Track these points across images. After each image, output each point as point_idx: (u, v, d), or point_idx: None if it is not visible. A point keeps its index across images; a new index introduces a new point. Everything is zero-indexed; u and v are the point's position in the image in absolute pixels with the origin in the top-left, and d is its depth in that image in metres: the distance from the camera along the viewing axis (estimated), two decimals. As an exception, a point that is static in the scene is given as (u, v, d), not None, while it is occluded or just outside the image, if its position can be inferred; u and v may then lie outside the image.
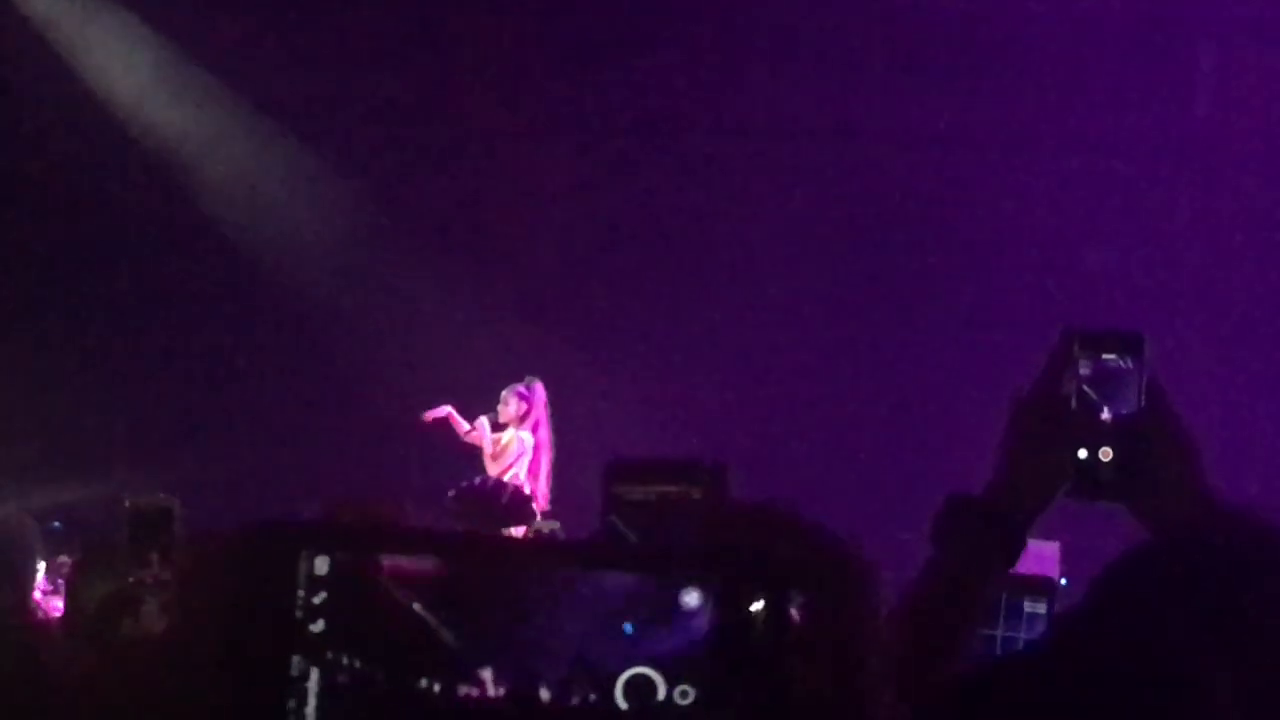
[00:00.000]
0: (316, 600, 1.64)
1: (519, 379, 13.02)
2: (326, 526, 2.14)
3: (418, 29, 16.19)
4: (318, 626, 1.64)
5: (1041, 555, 7.03)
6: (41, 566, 6.29)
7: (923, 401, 15.73)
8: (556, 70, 16.39)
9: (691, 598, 1.59)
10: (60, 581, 6.20)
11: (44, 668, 3.85)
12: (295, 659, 1.65)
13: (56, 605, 5.57)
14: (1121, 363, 2.69)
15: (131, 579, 4.13)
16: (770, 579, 1.57)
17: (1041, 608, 3.49)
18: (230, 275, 16.41)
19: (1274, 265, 15.66)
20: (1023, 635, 3.47)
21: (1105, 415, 2.67)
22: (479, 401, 13.25)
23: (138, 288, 16.25)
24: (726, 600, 1.56)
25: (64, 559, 6.52)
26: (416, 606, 1.63)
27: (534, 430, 12.50)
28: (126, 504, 4.37)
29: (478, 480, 12.34)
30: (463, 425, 12.76)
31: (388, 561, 1.63)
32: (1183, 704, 1.99)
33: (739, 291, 16.19)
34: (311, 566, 1.64)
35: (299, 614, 1.64)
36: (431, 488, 12.58)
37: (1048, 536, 7.22)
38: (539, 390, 12.62)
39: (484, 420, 12.58)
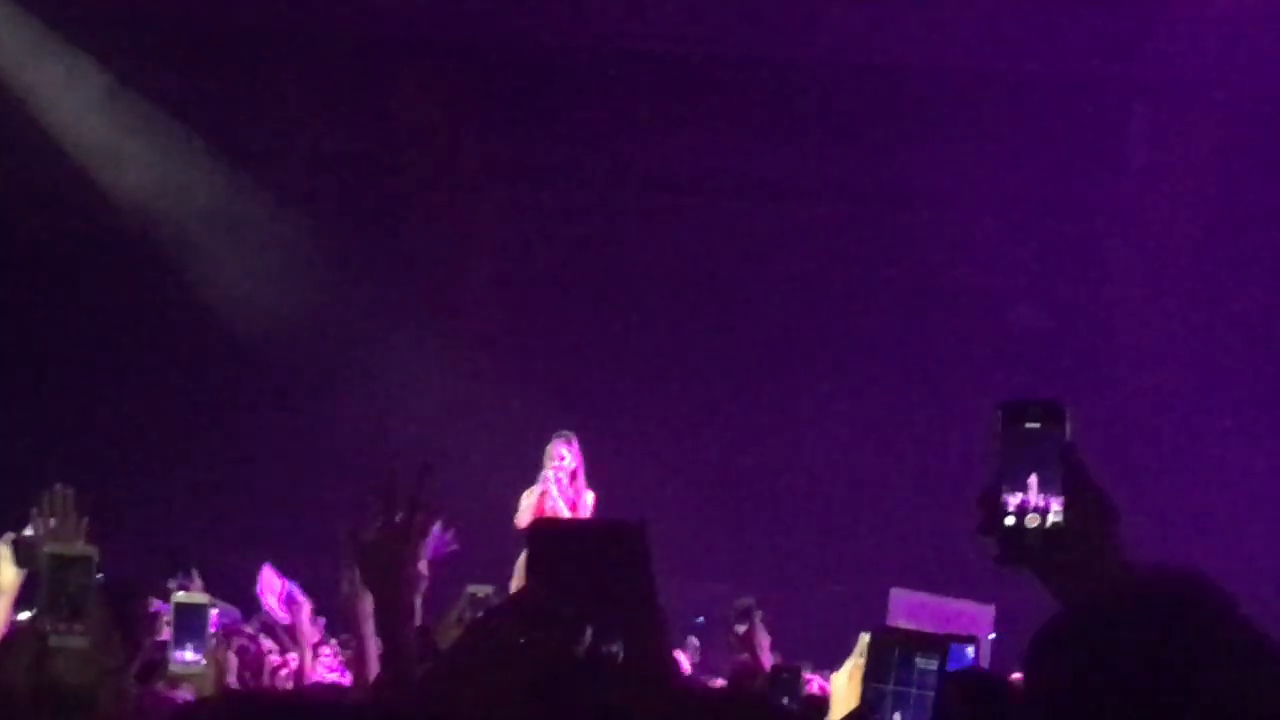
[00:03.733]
0: None
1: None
2: None
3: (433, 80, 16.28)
4: None
5: (977, 617, 7.12)
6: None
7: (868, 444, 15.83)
8: (550, 128, 16.47)
9: None
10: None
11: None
12: None
13: None
14: (1043, 431, 2.75)
15: (47, 626, 4.01)
16: None
17: (933, 664, 3.59)
18: (196, 321, 16.37)
19: (1208, 322, 15.79)
20: (914, 690, 3.56)
21: (1028, 484, 2.70)
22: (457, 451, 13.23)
23: (100, 327, 16.15)
24: None
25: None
26: None
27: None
28: (45, 551, 4.29)
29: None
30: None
31: None
32: None
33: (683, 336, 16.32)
34: None
35: None
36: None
37: (985, 599, 7.29)
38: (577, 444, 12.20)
39: (554, 491, 11.60)
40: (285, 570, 15.61)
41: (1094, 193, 16.37)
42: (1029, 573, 2.71)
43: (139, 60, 16.03)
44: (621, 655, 2.37)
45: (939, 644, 3.60)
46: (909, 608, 7.11)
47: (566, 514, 11.26)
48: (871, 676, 3.58)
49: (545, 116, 16.43)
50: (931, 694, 3.51)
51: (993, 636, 7.11)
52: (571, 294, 16.64)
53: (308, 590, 14.72)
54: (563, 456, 11.47)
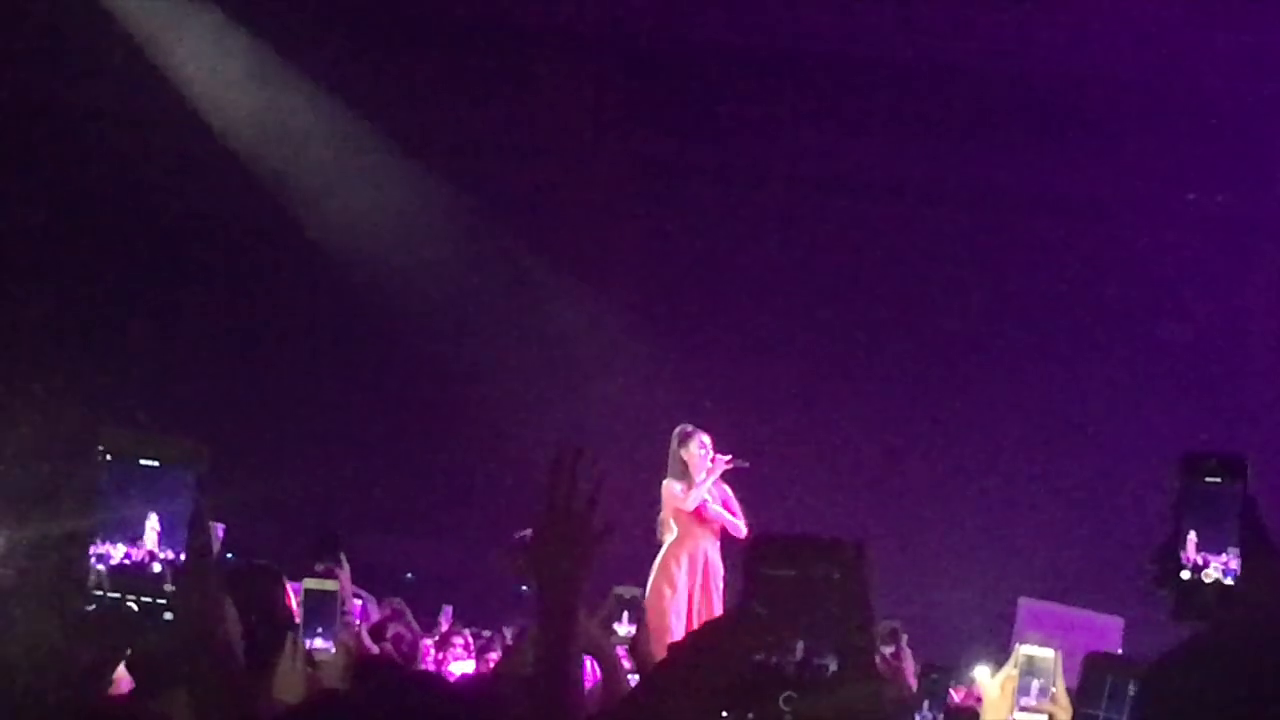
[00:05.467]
0: None
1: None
2: None
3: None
4: None
5: (1106, 630, 7.13)
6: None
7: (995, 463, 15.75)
8: (696, 126, 16.56)
9: None
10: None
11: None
12: None
13: None
14: (1223, 485, 2.73)
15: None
16: None
17: None
18: (349, 304, 16.58)
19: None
20: (1125, 718, 3.52)
21: (1206, 538, 2.69)
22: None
23: (253, 307, 16.42)
24: None
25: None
26: None
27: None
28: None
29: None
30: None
31: None
32: None
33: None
34: None
35: None
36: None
37: (1113, 611, 7.29)
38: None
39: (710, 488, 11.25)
40: (420, 554, 15.87)
41: (1238, 212, 16.17)
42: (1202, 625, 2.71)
43: (293, 37, 16.11)
44: (834, 670, 2.47)
45: None
46: (1037, 617, 7.12)
47: (725, 511, 11.09)
48: (1080, 702, 3.55)
49: (691, 114, 16.51)
50: None
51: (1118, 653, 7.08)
52: (711, 291, 16.71)
53: (451, 577, 14.84)
54: (705, 444, 11.13)
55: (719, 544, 11.13)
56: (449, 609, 13.42)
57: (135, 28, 16.04)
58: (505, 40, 16.28)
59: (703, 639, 2.70)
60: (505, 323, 16.67)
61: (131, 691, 3.59)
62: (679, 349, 16.22)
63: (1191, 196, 15.93)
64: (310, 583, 5.28)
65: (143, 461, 2.58)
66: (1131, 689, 3.50)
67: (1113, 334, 16.00)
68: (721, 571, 11.01)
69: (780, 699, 2.40)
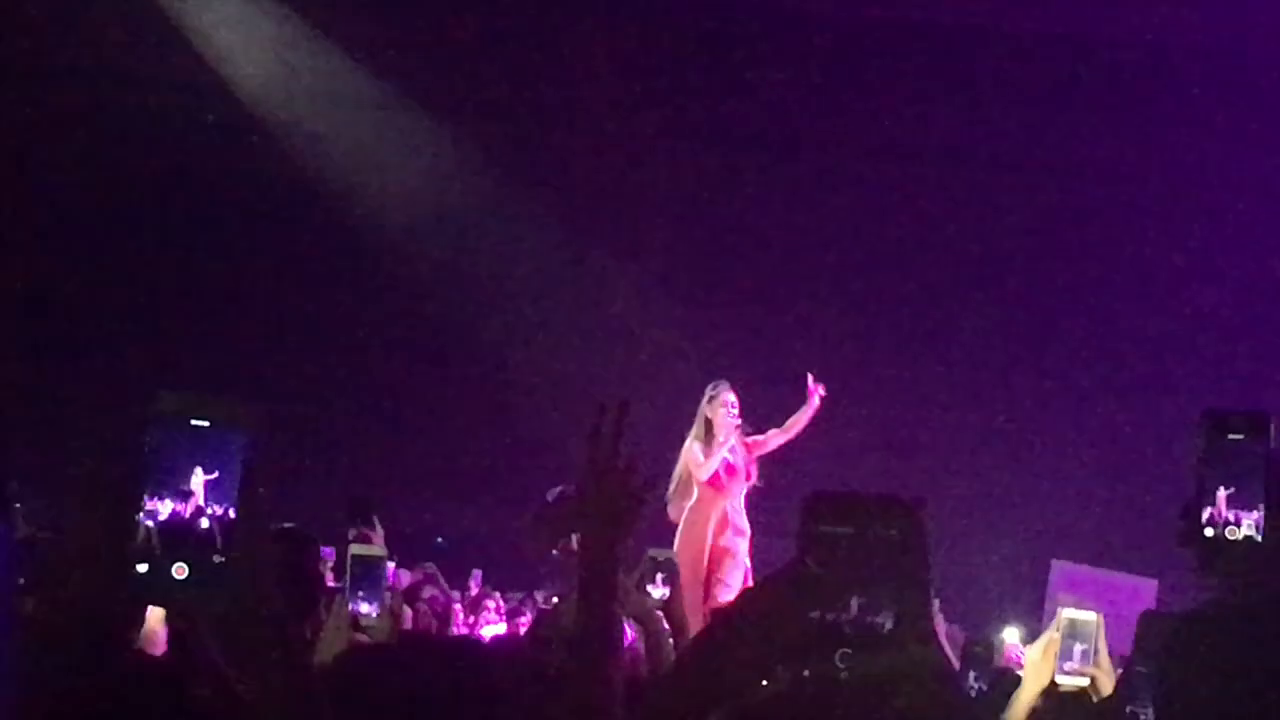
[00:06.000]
0: None
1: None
2: None
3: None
4: None
5: (1140, 591, 7.13)
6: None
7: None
8: (729, 89, 16.54)
9: None
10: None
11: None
12: None
13: None
14: (1246, 442, 2.75)
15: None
16: None
17: None
18: (372, 267, 16.62)
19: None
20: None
21: (1230, 495, 2.70)
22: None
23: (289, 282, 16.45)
24: None
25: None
26: None
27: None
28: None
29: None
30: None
31: None
32: None
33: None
34: None
35: None
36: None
37: (1147, 573, 7.27)
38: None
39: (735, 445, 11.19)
40: (449, 518, 15.90)
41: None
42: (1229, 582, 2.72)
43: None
44: (889, 628, 2.48)
45: None
46: (1071, 580, 7.12)
47: (743, 465, 11.10)
48: (1137, 661, 3.55)
49: (726, 76, 16.45)
50: None
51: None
52: (748, 254, 16.70)
53: (480, 541, 14.85)
54: (731, 404, 11.06)
55: (742, 503, 11.14)
56: (478, 573, 13.46)
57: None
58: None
59: (758, 596, 2.69)
60: (538, 286, 16.67)
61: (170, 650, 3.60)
62: (713, 312, 16.23)
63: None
64: (356, 548, 5.28)
65: (194, 421, 2.58)
66: None
67: (1146, 296, 15.97)
68: (746, 529, 11.01)
69: (836, 656, 2.41)
